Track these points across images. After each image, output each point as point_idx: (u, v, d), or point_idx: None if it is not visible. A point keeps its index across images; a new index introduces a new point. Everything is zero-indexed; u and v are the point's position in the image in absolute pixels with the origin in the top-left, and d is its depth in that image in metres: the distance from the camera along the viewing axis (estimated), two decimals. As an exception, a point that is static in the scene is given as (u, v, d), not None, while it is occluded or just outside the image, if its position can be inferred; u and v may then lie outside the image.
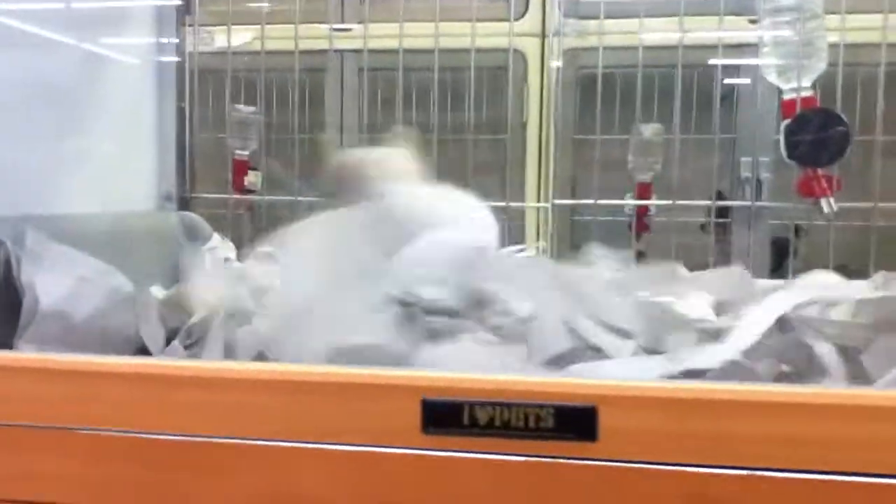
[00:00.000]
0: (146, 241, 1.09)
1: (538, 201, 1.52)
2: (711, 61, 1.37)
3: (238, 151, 1.61)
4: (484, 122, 1.63)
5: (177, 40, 1.32)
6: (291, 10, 1.51)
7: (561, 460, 0.58)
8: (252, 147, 1.65)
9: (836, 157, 1.00)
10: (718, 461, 0.56)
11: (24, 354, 0.66)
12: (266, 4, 1.53)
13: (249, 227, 1.51)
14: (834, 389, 0.63)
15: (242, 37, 1.56)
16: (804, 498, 0.56)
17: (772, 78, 1.07)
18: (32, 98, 0.95)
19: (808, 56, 1.03)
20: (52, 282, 0.77)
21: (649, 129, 1.67)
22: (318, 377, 0.62)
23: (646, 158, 1.69)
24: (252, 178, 1.65)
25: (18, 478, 0.64)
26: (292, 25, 1.42)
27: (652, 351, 0.79)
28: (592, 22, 1.59)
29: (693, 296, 1.00)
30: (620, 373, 0.72)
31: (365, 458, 0.60)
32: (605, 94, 1.57)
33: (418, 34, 1.31)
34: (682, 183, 1.45)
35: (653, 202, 1.58)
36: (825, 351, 0.70)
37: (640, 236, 1.69)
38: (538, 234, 1.33)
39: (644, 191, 1.67)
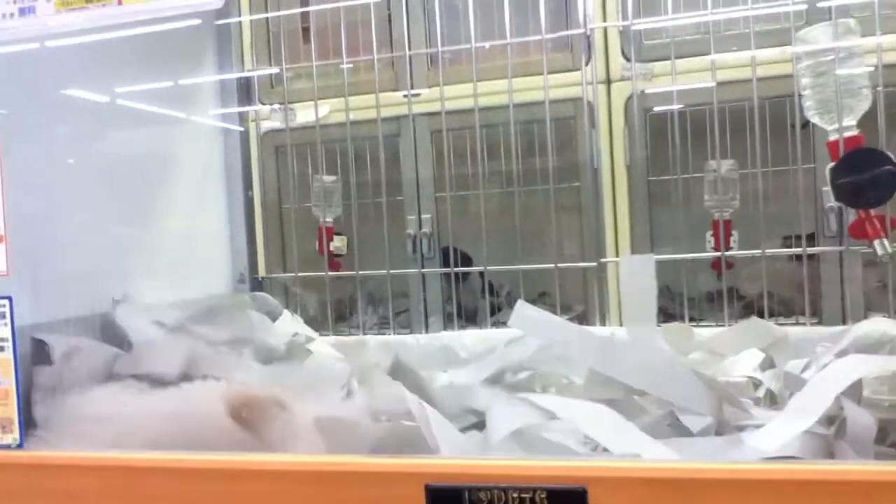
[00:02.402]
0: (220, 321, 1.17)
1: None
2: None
3: (323, 219, 1.71)
4: (555, 171, 1.65)
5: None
6: (361, 82, 1.60)
7: (556, 542, 0.60)
8: (336, 213, 1.75)
9: (885, 198, 0.97)
10: (708, 541, 0.57)
11: (70, 453, 0.73)
12: (353, 70, 1.61)
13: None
14: (830, 465, 0.62)
15: (322, 110, 1.66)
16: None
17: (815, 119, 1.05)
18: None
19: (850, 95, 1.01)
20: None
21: (723, 166, 1.64)
22: (327, 466, 0.66)
23: (722, 195, 1.66)
24: (337, 244, 1.73)
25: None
26: (362, 97, 1.51)
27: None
28: (657, 64, 1.61)
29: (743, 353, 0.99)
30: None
31: (374, 543, 0.64)
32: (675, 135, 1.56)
33: (471, 94, 1.36)
34: (763, 218, 1.42)
35: (702, 254, 1.55)
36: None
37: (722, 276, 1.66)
38: (597, 288, 1.33)
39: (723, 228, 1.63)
